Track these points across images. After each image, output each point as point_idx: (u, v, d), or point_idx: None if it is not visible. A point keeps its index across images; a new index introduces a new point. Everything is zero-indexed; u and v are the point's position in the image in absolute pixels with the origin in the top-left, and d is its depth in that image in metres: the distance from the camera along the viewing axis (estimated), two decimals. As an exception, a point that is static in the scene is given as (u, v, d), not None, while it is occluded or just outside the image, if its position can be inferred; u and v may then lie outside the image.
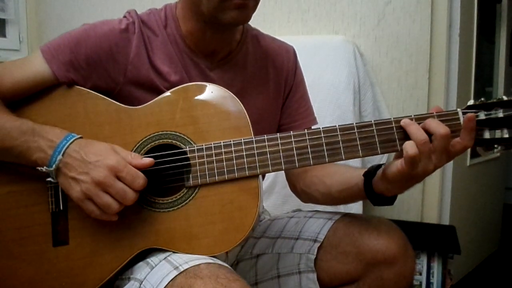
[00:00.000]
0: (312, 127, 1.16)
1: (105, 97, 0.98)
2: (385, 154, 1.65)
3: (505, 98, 0.85)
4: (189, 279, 0.80)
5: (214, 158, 0.92)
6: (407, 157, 0.84)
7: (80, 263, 0.93)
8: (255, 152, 0.92)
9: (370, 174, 0.96)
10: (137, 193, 0.87)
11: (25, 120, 0.93)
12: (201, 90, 0.97)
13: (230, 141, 0.92)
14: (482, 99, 0.87)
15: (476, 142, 0.86)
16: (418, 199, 2.00)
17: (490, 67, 2.66)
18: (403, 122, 0.88)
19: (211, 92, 0.96)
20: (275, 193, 1.83)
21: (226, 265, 0.87)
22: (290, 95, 1.17)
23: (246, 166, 0.91)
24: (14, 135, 0.91)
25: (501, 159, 2.74)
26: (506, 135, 0.85)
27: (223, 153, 0.92)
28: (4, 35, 2.63)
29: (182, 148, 0.93)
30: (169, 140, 0.94)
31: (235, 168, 0.91)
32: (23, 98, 0.98)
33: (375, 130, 0.90)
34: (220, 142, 0.92)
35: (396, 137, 0.89)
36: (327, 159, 0.91)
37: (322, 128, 0.92)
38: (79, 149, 0.88)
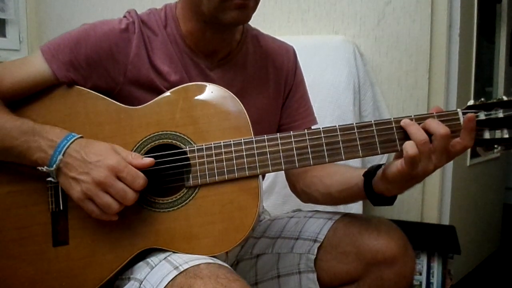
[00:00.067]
0: (312, 127, 1.16)
1: (105, 97, 0.98)
2: (385, 154, 1.66)
3: (505, 98, 0.85)
4: (189, 279, 0.80)
5: (214, 158, 0.92)
6: (407, 157, 0.84)
7: (80, 263, 0.93)
8: (255, 152, 0.92)
9: (370, 174, 0.96)
10: (137, 193, 0.87)
11: (26, 120, 0.93)
12: (201, 90, 0.97)
13: (230, 141, 0.92)
14: (482, 99, 0.87)
15: (476, 142, 0.86)
16: (418, 199, 2.00)
17: (490, 67, 2.66)
18: (403, 122, 0.88)
19: (211, 92, 0.96)
20: (275, 193, 1.83)
21: (226, 265, 0.87)
22: (290, 95, 1.17)
23: (246, 166, 0.91)
24: (14, 135, 0.91)
25: (501, 159, 2.74)
26: (506, 135, 0.85)
27: (223, 153, 0.92)
28: (4, 35, 2.63)
29: (182, 148, 0.93)
30: (169, 140, 0.94)
31: (235, 168, 0.91)
32: (23, 98, 0.98)
33: (375, 130, 0.90)
34: (220, 142, 0.92)
35: (396, 137, 0.89)
36: (327, 159, 0.91)
37: (322, 128, 0.92)
38: (80, 149, 0.89)
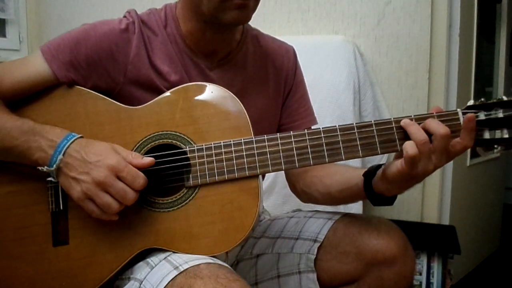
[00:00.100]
0: (312, 127, 1.16)
1: (105, 97, 0.98)
2: (385, 154, 1.66)
3: (505, 98, 0.85)
4: (189, 279, 0.80)
5: (214, 158, 0.92)
6: (407, 157, 0.84)
7: (80, 263, 0.93)
8: (255, 152, 0.92)
9: (370, 174, 0.96)
10: (138, 193, 0.87)
11: (26, 120, 0.93)
12: (201, 90, 0.97)
13: (230, 141, 0.92)
14: (482, 99, 0.87)
15: (476, 142, 0.86)
16: (418, 199, 2.00)
17: (490, 67, 2.66)
18: (403, 122, 0.88)
19: (211, 92, 0.96)
20: (275, 193, 1.83)
21: (226, 265, 0.87)
22: (290, 95, 1.17)
23: (246, 166, 0.91)
24: (14, 135, 0.91)
25: (501, 159, 2.74)
26: (506, 135, 0.85)
27: (223, 153, 0.92)
28: (4, 35, 2.63)
29: (182, 148, 0.93)
30: (169, 140, 0.94)
31: (235, 168, 0.91)
32: (23, 98, 0.98)
33: (375, 130, 0.90)
34: (220, 142, 0.92)
35: (396, 137, 0.89)
36: (327, 159, 0.91)
37: (322, 128, 0.92)
38: (80, 148, 0.89)
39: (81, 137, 0.92)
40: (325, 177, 1.07)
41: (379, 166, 0.95)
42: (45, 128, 0.91)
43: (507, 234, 2.89)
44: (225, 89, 0.96)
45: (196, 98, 0.96)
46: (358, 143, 0.90)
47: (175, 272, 0.82)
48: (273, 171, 0.92)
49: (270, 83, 1.13)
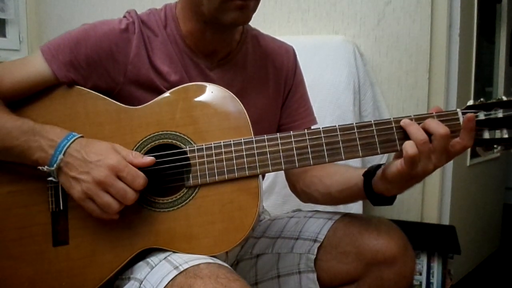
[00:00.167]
0: (312, 127, 1.16)
1: (105, 97, 0.98)
2: (385, 154, 1.66)
3: (504, 98, 0.85)
4: (189, 279, 0.80)
5: (214, 158, 0.92)
6: (406, 157, 0.84)
7: (80, 263, 0.93)
8: (255, 152, 0.92)
9: (369, 174, 0.96)
10: (138, 193, 0.88)
11: (26, 120, 0.93)
12: (201, 90, 0.97)
13: (230, 141, 0.92)
14: (482, 99, 0.88)
15: (475, 142, 0.86)
16: (418, 199, 2.00)
17: (490, 67, 2.66)
18: (403, 122, 0.88)
19: (211, 92, 0.96)
20: (275, 193, 1.83)
21: (226, 265, 0.87)
22: (290, 95, 1.17)
23: (246, 166, 0.91)
24: (15, 135, 0.91)
25: (501, 159, 2.74)
26: (506, 135, 0.85)
27: (223, 153, 0.92)
28: (4, 35, 2.63)
29: (182, 148, 0.93)
30: (169, 140, 0.94)
31: (235, 168, 0.91)
32: (23, 98, 0.98)
33: (375, 130, 0.90)
34: (220, 142, 0.92)
35: (396, 137, 0.89)
36: (327, 159, 0.91)
37: (322, 128, 0.92)
38: (80, 148, 0.89)
39: (81, 136, 0.92)
40: (325, 177, 1.07)
41: (379, 166, 0.95)
42: (45, 128, 0.91)
43: (507, 234, 2.89)
44: (225, 89, 0.96)
45: (196, 98, 0.96)
46: (358, 143, 0.90)
47: (175, 272, 0.82)
48: (273, 171, 0.92)
49: (270, 83, 1.13)
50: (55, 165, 0.88)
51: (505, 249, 2.77)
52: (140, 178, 0.87)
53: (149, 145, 0.94)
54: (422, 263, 1.91)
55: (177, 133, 0.94)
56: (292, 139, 0.92)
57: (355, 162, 1.52)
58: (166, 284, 0.81)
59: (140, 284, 0.86)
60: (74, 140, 0.90)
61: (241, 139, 0.92)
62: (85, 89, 0.98)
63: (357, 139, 0.90)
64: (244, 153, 0.92)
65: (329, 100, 1.84)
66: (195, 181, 0.92)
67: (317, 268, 1.05)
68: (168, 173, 0.93)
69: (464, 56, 2.07)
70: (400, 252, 1.00)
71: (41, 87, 0.98)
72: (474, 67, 2.21)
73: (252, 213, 0.90)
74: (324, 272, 1.05)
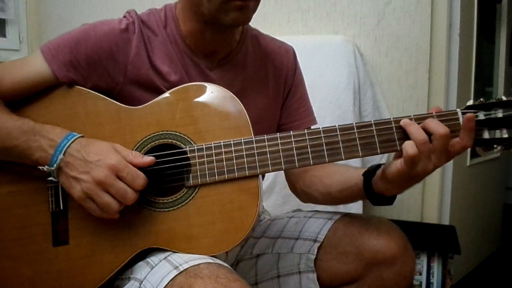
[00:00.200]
0: (312, 127, 1.16)
1: (105, 97, 0.98)
2: (385, 154, 1.66)
3: (504, 98, 0.85)
4: (189, 278, 0.80)
5: (214, 158, 0.92)
6: (406, 157, 0.84)
7: (80, 263, 0.93)
8: (255, 152, 0.92)
9: (369, 174, 0.96)
10: (138, 193, 0.88)
11: (26, 120, 0.93)
12: (201, 90, 0.97)
13: (230, 141, 0.92)
14: (481, 99, 0.88)
15: (475, 142, 0.86)
16: (418, 199, 2.00)
17: (490, 67, 2.66)
18: (403, 122, 0.88)
19: (211, 92, 0.96)
20: (275, 193, 1.83)
21: (226, 265, 0.87)
22: (290, 95, 1.17)
23: (246, 166, 0.91)
24: (15, 135, 0.91)
25: (501, 159, 2.74)
26: (506, 135, 0.85)
27: (223, 153, 0.92)
28: (4, 35, 2.63)
29: (182, 148, 0.93)
30: (169, 140, 0.94)
31: (235, 167, 0.91)
32: (23, 98, 0.98)
33: (374, 130, 0.90)
34: (220, 142, 0.92)
35: (396, 137, 0.89)
36: (327, 159, 0.91)
37: (322, 128, 0.92)
38: (80, 148, 0.89)
39: (81, 136, 0.92)
40: (325, 177, 1.07)
41: (379, 166, 0.95)
42: (46, 128, 0.91)
43: (507, 234, 2.89)
44: (225, 89, 0.96)
45: (196, 98, 0.96)
46: (358, 142, 0.90)
47: (175, 272, 0.82)
48: (273, 170, 0.92)
49: (270, 83, 1.13)
50: (55, 165, 0.88)
51: (505, 249, 2.77)
52: (140, 178, 0.87)
53: (149, 145, 0.94)
54: (422, 263, 1.91)
55: (177, 133, 0.94)
56: (292, 139, 0.92)
57: (355, 162, 1.53)
58: (166, 284, 0.81)
59: (140, 284, 0.86)
60: (74, 140, 0.90)
61: (241, 139, 0.92)
62: (85, 89, 0.98)
63: (357, 139, 0.90)
64: (244, 153, 0.92)
65: (329, 100, 1.84)
66: (195, 181, 0.92)
67: (317, 268, 1.05)
68: (168, 173, 0.93)
69: (464, 56, 2.07)
70: (400, 252, 1.00)
71: (41, 87, 0.98)
72: (474, 67, 2.21)
73: (252, 213, 0.90)
74: (324, 272, 1.05)
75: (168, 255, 0.89)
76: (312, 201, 1.14)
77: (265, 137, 0.92)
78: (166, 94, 0.97)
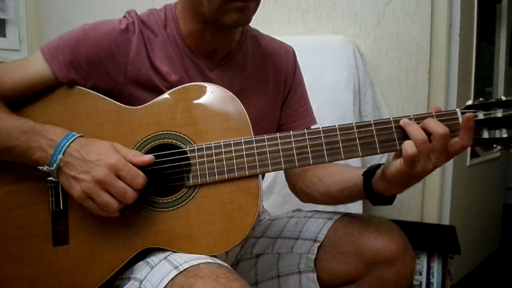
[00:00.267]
0: (312, 127, 1.16)
1: (105, 97, 0.98)
2: (385, 154, 1.66)
3: (503, 98, 0.85)
4: (189, 278, 0.80)
5: (214, 157, 0.92)
6: (406, 156, 0.84)
7: (80, 262, 0.93)
8: (255, 151, 0.92)
9: (369, 173, 0.96)
10: (137, 192, 0.88)
11: (26, 120, 0.93)
12: (201, 90, 0.97)
13: (230, 141, 0.92)
14: (481, 99, 0.88)
15: (474, 142, 0.86)
16: (418, 199, 2.00)
17: (490, 67, 2.66)
18: (402, 121, 0.88)
19: (211, 92, 0.96)
20: (275, 193, 1.83)
21: (226, 264, 0.87)
22: (290, 95, 1.17)
23: (246, 165, 0.91)
24: (15, 135, 0.91)
25: (501, 159, 2.74)
26: (505, 135, 0.85)
27: (223, 153, 0.92)
28: (4, 35, 2.63)
29: (182, 148, 0.93)
30: (169, 140, 0.94)
31: (235, 167, 0.91)
32: (23, 98, 0.98)
33: (374, 130, 0.90)
34: (220, 142, 0.92)
35: (395, 136, 0.89)
36: (326, 159, 0.91)
37: (322, 127, 0.92)
38: (80, 148, 0.89)
39: (81, 136, 0.92)
40: (324, 177, 1.07)
41: (379, 165, 0.96)
42: (45, 128, 0.92)
43: (507, 234, 2.89)
44: (225, 89, 0.96)
45: (196, 98, 0.96)
46: (358, 142, 0.90)
47: (175, 272, 0.82)
48: (272, 170, 0.92)
49: (270, 83, 1.13)
50: (54, 165, 0.88)
51: (505, 249, 2.77)
52: (139, 177, 0.87)
53: (149, 145, 0.94)
54: (422, 263, 1.91)
55: (177, 133, 0.94)
56: (292, 139, 0.92)
57: (355, 162, 1.53)
58: (166, 284, 0.81)
59: (140, 284, 0.86)
60: (73, 140, 0.90)
61: (241, 139, 0.92)
62: (85, 89, 0.98)
63: (357, 138, 0.90)
64: (244, 152, 0.92)
65: (329, 100, 1.84)
66: (195, 181, 0.92)
67: (317, 268, 1.05)
68: (168, 172, 0.94)
69: (464, 56, 2.07)
70: (400, 252, 1.00)
71: (41, 87, 0.98)
72: (474, 67, 2.21)
73: (252, 213, 0.91)
74: (324, 272, 1.05)
75: (168, 255, 0.89)
76: (312, 201, 1.14)
77: (265, 137, 0.92)
78: (166, 94, 0.97)
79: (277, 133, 0.93)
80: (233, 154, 0.92)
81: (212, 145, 0.92)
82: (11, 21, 2.64)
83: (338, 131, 0.91)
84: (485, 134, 0.87)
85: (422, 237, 1.90)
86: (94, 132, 0.95)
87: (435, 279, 1.90)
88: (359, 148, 0.90)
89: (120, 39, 0.99)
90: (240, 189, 0.91)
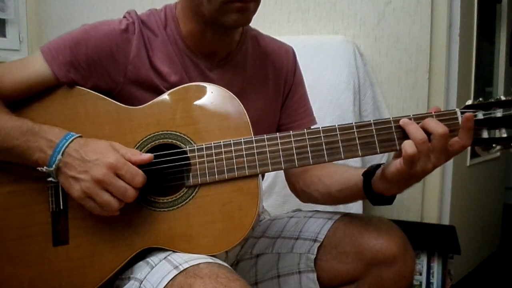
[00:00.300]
0: (312, 127, 1.16)
1: (105, 97, 0.98)
2: (385, 154, 1.66)
3: (503, 98, 0.85)
4: (189, 278, 0.80)
5: (214, 157, 0.92)
6: (406, 156, 0.84)
7: (80, 262, 0.93)
8: (255, 151, 0.92)
9: (369, 173, 0.96)
10: (137, 191, 0.88)
11: (25, 120, 0.93)
12: (201, 90, 0.97)
13: (230, 141, 0.92)
14: (481, 99, 0.88)
15: (474, 142, 0.87)
16: (418, 199, 2.00)
17: (490, 67, 2.66)
18: (402, 121, 0.88)
19: (211, 92, 0.96)
20: (275, 193, 1.83)
21: (226, 264, 0.87)
22: (290, 95, 1.17)
23: (246, 165, 0.91)
24: (14, 135, 0.91)
25: (501, 159, 2.74)
26: (504, 135, 0.85)
27: (223, 153, 0.92)
28: (4, 35, 2.64)
29: (182, 148, 0.93)
30: (169, 140, 0.94)
31: (235, 167, 0.91)
32: (23, 99, 0.98)
33: (374, 130, 0.90)
34: (220, 142, 0.92)
35: (395, 136, 0.89)
36: (326, 159, 0.91)
37: (322, 127, 0.92)
38: (79, 148, 0.89)
39: (80, 136, 0.92)
40: (324, 177, 1.07)
41: (378, 165, 0.95)
42: (44, 128, 0.91)
43: (507, 234, 2.89)
44: (225, 89, 0.96)
45: (196, 98, 0.96)
46: (357, 142, 0.90)
47: (175, 272, 0.82)
48: (272, 170, 0.92)
49: (270, 83, 1.13)
50: (54, 166, 0.88)
51: (505, 249, 2.77)
52: (139, 176, 0.87)
53: (149, 145, 0.94)
54: (422, 263, 1.91)
55: (177, 133, 0.94)
56: (292, 139, 0.92)
57: (356, 162, 1.53)
58: (166, 284, 0.81)
59: (140, 284, 0.86)
60: (72, 140, 0.90)
61: (241, 139, 0.92)
62: (85, 89, 0.98)
63: (357, 138, 0.90)
64: (244, 152, 0.92)
65: (329, 100, 1.84)
66: (195, 181, 0.92)
67: (317, 268, 1.05)
68: (168, 172, 0.94)
69: (464, 56, 2.07)
70: (400, 252, 1.00)
71: (41, 87, 0.98)
72: (474, 67, 2.21)
73: (251, 213, 0.91)
74: (324, 272, 1.05)
75: (168, 255, 0.89)
76: (312, 201, 1.14)
77: (265, 136, 0.92)
78: (166, 94, 0.97)
79: (277, 133, 0.93)
80: (233, 154, 0.92)
81: (212, 145, 0.92)
82: (11, 21, 2.64)
83: (338, 131, 0.91)
84: (485, 134, 0.87)
85: (422, 237, 1.90)
86: (94, 132, 0.95)
87: (435, 279, 1.90)
88: (359, 148, 0.90)
89: (120, 39, 0.99)
90: (240, 189, 0.91)
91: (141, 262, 0.92)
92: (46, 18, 2.71)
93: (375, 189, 0.95)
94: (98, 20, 1.01)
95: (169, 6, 1.07)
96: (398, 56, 1.97)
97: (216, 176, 0.91)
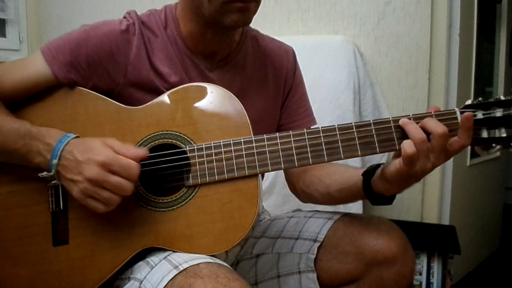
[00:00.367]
0: (311, 127, 1.16)
1: (105, 97, 0.98)
2: (385, 154, 1.66)
3: (502, 97, 0.85)
4: (189, 278, 0.80)
5: (213, 157, 0.92)
6: (405, 156, 0.84)
7: (80, 262, 0.93)
8: (255, 151, 0.92)
9: (369, 173, 0.96)
10: (134, 183, 0.87)
11: (23, 122, 0.93)
12: (201, 90, 0.97)
13: (230, 141, 0.92)
14: (480, 98, 0.88)
15: (473, 141, 0.87)
16: (418, 199, 2.00)
17: (490, 67, 2.66)
18: (401, 121, 0.88)
19: (211, 92, 0.96)
20: (275, 193, 1.83)
21: (226, 264, 0.87)
22: (290, 95, 1.17)
23: (245, 165, 0.91)
24: (13, 138, 0.91)
25: (501, 159, 2.74)
26: (504, 134, 0.85)
27: (222, 153, 0.92)
28: (4, 35, 2.64)
29: (182, 148, 0.93)
30: (169, 140, 0.94)
31: (235, 167, 0.91)
32: (23, 99, 0.98)
33: (373, 130, 0.90)
34: (220, 142, 0.92)
35: (395, 136, 0.89)
36: (326, 158, 0.91)
37: (321, 127, 0.92)
38: (72, 149, 0.88)
39: (76, 137, 0.91)
40: (324, 177, 1.07)
41: (378, 165, 0.95)
42: (41, 132, 0.91)
43: (507, 234, 2.89)
44: (225, 90, 0.96)
45: (196, 98, 0.96)
46: (357, 142, 0.90)
47: (175, 272, 0.82)
48: (272, 170, 0.92)
49: (270, 83, 1.13)
50: (53, 171, 0.88)
51: (505, 249, 2.77)
52: (132, 168, 0.86)
53: (149, 145, 0.94)
54: (422, 263, 1.91)
55: (177, 133, 0.94)
56: (292, 139, 0.92)
57: (355, 162, 1.53)
58: (166, 284, 0.81)
59: (140, 284, 0.86)
60: (67, 142, 0.89)
61: (241, 139, 0.92)
62: (85, 89, 0.98)
63: (356, 138, 0.90)
64: (244, 152, 0.92)
65: (329, 100, 1.84)
66: (195, 181, 0.92)
67: (317, 268, 1.05)
68: (168, 172, 0.94)
69: (464, 56, 2.07)
70: (400, 252, 1.00)
71: (41, 87, 0.98)
72: (474, 67, 2.21)
73: (251, 213, 0.91)
74: (324, 272, 1.05)
75: (168, 255, 0.89)
76: (312, 201, 1.14)
77: (265, 136, 0.92)
78: (166, 95, 0.97)
79: (277, 133, 0.93)
80: (233, 154, 0.92)
81: (212, 145, 0.92)
82: (11, 21, 2.64)
83: (337, 130, 0.91)
84: (484, 134, 0.87)
85: (422, 237, 1.90)
86: (94, 132, 0.95)
87: (435, 279, 1.90)
88: (358, 148, 0.90)
89: (120, 40, 0.99)
90: (239, 189, 0.91)
91: (141, 262, 0.92)
92: (46, 18, 2.71)
93: (374, 189, 0.95)
94: (98, 20, 1.01)
95: (169, 6, 1.07)
96: (398, 56, 1.97)
97: (216, 176, 0.91)
